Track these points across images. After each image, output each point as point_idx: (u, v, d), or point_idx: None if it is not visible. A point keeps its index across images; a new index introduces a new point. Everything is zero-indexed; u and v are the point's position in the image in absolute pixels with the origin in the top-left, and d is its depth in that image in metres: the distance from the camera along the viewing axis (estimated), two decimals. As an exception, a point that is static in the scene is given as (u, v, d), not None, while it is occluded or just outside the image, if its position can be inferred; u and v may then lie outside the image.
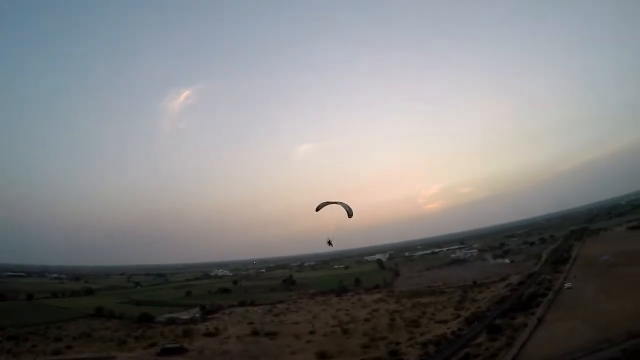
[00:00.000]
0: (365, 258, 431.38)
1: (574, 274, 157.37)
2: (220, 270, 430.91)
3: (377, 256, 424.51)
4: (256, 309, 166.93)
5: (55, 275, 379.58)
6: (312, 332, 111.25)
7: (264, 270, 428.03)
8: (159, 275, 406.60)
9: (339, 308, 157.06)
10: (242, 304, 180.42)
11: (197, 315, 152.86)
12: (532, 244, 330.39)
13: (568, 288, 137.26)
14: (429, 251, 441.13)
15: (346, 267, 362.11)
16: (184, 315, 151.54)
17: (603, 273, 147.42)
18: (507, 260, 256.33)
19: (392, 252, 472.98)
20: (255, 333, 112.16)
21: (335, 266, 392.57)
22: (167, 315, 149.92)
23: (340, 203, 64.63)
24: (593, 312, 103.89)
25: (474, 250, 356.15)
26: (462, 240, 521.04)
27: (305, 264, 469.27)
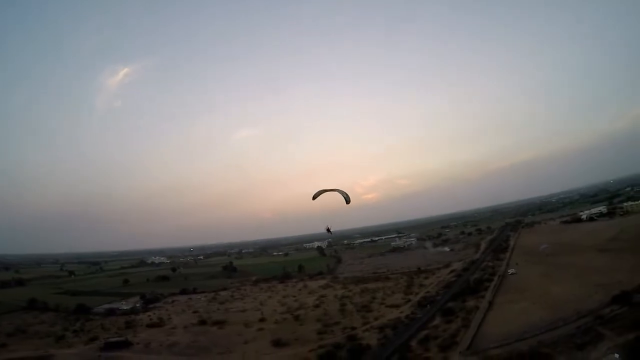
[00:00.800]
0: (305, 245, 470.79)
1: (515, 262, 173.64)
2: (157, 257, 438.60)
3: (317, 244, 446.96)
4: (199, 296, 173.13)
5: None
6: (262, 320, 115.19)
7: (201, 257, 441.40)
8: (94, 264, 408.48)
9: (285, 294, 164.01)
10: (183, 292, 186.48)
11: (137, 305, 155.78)
12: (469, 234, 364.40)
13: (512, 274, 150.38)
14: (368, 239, 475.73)
15: (286, 255, 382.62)
16: (124, 306, 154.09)
17: (543, 261, 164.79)
18: (447, 249, 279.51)
19: (330, 240, 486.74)
20: (202, 322, 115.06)
21: (275, 253, 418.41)
22: (106, 306, 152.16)
23: (338, 190, 70.64)
24: (540, 295, 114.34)
25: (413, 239, 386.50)
26: (399, 229, 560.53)
27: (244, 251, 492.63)
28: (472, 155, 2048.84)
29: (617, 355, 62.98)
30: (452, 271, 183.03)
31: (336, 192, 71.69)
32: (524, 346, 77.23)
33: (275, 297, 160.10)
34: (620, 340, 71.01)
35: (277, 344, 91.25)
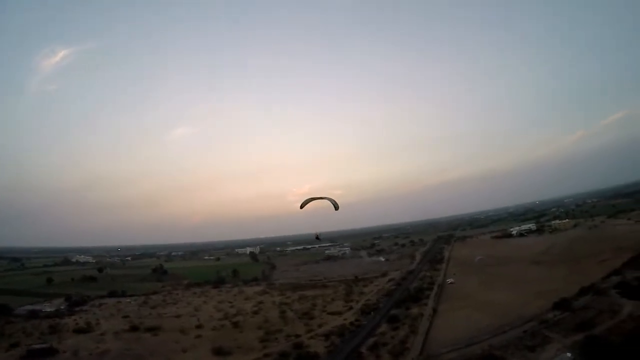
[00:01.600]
0: (236, 250, 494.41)
1: (453, 272, 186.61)
2: (82, 256, 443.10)
3: (249, 249, 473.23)
4: (129, 300, 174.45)
5: None
6: (199, 326, 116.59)
7: (129, 258, 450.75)
8: (14, 260, 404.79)
9: (221, 300, 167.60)
10: (112, 294, 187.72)
11: (62, 307, 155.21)
12: (403, 245, 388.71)
13: (451, 283, 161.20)
14: (301, 247, 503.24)
15: (217, 259, 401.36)
16: (48, 307, 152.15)
17: (479, 271, 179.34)
18: (382, 259, 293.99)
19: (262, 246, 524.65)
20: (134, 328, 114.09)
21: (206, 257, 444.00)
22: (28, 307, 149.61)
23: (326, 198, 75.02)
24: (482, 303, 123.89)
25: (347, 248, 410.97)
26: (333, 239, 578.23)
27: (173, 254, 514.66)
28: (406, 169, 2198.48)
29: (569, 354, 69.41)
30: (390, 280, 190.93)
31: (322, 199, 75.25)
32: (477, 350, 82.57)
33: (210, 303, 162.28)
34: (567, 342, 79.45)
35: (219, 352, 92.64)
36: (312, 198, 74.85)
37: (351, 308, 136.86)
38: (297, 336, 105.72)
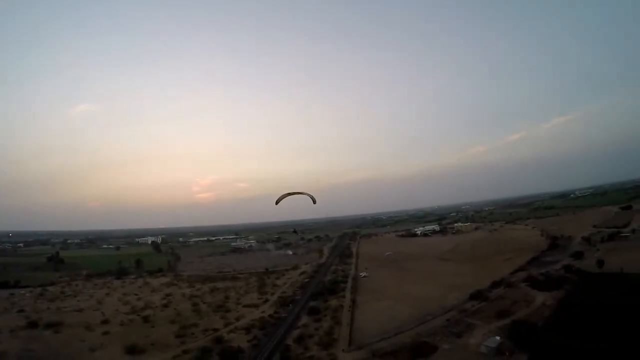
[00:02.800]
0: (137, 240, 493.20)
1: (364, 266, 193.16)
2: None
3: (150, 239, 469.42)
4: (23, 292, 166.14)
5: None
6: (105, 322, 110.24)
7: (21, 245, 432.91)
8: None
9: (125, 292, 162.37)
10: (4, 285, 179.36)
11: None
12: (309, 240, 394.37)
13: (364, 276, 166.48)
14: (205, 238, 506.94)
15: (117, 248, 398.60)
16: None
17: (390, 266, 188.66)
18: (290, 252, 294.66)
19: (164, 236, 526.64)
20: (32, 325, 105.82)
21: (105, 246, 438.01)
22: None
23: (303, 193, 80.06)
24: (400, 294, 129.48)
25: (253, 241, 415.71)
26: (237, 231, 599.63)
27: (69, 241, 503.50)
28: (312, 167, 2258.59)
29: (498, 338, 74.54)
30: (302, 273, 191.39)
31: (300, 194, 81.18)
32: (406, 338, 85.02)
33: (114, 295, 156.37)
34: (490, 327, 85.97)
35: (132, 350, 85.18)
36: (288, 193, 78.14)
37: (267, 300, 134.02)
38: (215, 330, 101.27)
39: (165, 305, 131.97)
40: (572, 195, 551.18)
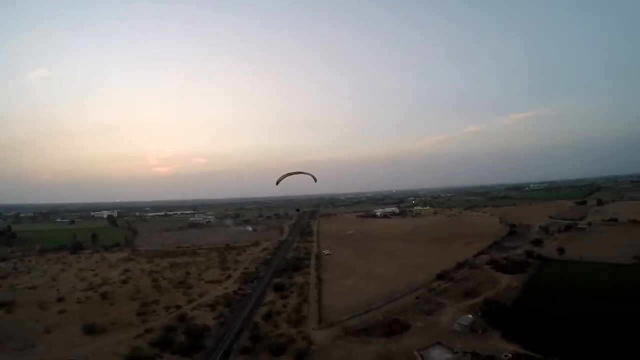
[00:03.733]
0: (92, 214, 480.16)
1: (326, 244, 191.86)
2: None
3: (106, 213, 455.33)
4: None
5: None
6: (60, 300, 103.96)
7: None
8: None
9: (81, 268, 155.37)
10: None
11: None
12: (268, 217, 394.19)
13: (327, 254, 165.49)
14: (162, 213, 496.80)
15: (72, 222, 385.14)
16: None
17: (352, 245, 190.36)
18: (249, 228, 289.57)
19: (119, 210, 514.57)
20: None
21: (59, 220, 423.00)
22: None
23: (303, 173, 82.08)
24: (365, 273, 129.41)
25: (211, 217, 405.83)
26: (194, 207, 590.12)
27: (22, 215, 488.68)
28: (272, 145, 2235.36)
29: (470, 316, 74.98)
30: (264, 249, 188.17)
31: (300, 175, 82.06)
32: (378, 315, 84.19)
33: (69, 271, 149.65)
34: (460, 306, 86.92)
35: (91, 330, 78.76)
36: (289, 173, 79.39)
37: (230, 276, 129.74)
38: (178, 307, 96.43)
39: (124, 282, 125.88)
40: (526, 188, 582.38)
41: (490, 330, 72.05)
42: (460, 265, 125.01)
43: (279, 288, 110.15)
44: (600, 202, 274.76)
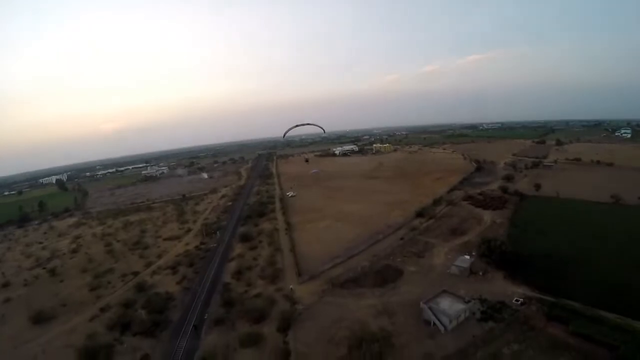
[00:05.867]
0: (40, 181, 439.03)
1: (289, 186, 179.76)
2: None
3: (55, 177, 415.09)
4: None
5: None
6: (5, 285, 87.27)
7: None
8: None
9: (29, 242, 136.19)
10: None
11: None
12: (224, 163, 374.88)
13: (292, 196, 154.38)
14: (113, 170, 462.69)
15: (19, 193, 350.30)
16: None
17: (316, 184, 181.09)
18: (205, 176, 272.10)
19: (69, 173, 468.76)
20: None
21: (6, 193, 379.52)
22: None
23: (312, 124, 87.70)
24: (338, 213, 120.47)
25: (164, 168, 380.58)
26: (147, 160, 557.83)
27: None
28: (223, 90, 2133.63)
29: (467, 257, 67.78)
30: (223, 196, 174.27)
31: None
32: (363, 261, 74.51)
33: (16, 249, 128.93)
34: (450, 246, 79.23)
35: (39, 319, 64.81)
36: (296, 125, 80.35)
37: (190, 230, 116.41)
38: (135, 274, 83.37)
39: (75, 251, 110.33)
40: (481, 127, 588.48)
41: (491, 272, 64.92)
42: (436, 202, 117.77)
43: (245, 238, 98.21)
44: (559, 142, 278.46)
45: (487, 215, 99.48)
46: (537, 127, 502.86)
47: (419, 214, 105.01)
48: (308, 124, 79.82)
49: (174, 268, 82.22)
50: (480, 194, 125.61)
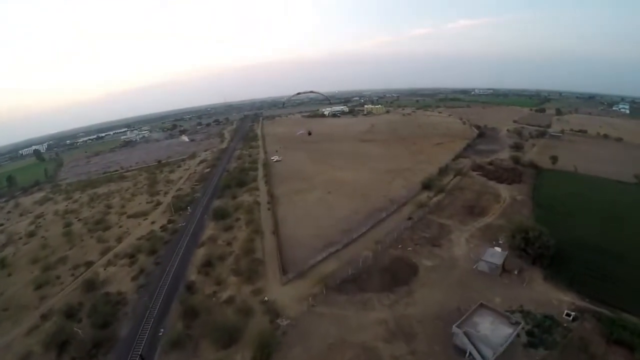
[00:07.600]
0: (21, 152, 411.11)
1: (275, 149, 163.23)
2: None
3: (34, 147, 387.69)
4: None
5: None
6: None
7: None
8: None
9: None
10: None
11: None
12: (208, 125, 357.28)
13: (277, 161, 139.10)
14: (94, 137, 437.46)
15: None
16: None
17: (305, 148, 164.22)
18: (186, 139, 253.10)
19: (51, 142, 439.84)
20: None
21: None
22: None
23: (315, 92, 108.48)
24: (329, 182, 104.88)
25: (145, 132, 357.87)
26: (130, 124, 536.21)
27: None
28: (203, 54, 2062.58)
29: (498, 249, 53.91)
30: (202, 162, 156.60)
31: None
32: (365, 250, 58.78)
33: None
34: (470, 230, 64.22)
35: None
36: (298, 93, 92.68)
37: (159, 204, 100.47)
38: (89, 264, 68.29)
39: (32, 234, 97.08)
40: (472, 92, 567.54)
41: (527, 270, 50.46)
42: (442, 172, 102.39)
43: (220, 215, 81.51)
44: (559, 112, 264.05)
45: (504, 191, 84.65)
46: (531, 96, 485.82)
47: (426, 186, 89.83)
48: (312, 92, 63.99)
49: (132, 257, 67.33)
50: (490, 163, 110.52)
